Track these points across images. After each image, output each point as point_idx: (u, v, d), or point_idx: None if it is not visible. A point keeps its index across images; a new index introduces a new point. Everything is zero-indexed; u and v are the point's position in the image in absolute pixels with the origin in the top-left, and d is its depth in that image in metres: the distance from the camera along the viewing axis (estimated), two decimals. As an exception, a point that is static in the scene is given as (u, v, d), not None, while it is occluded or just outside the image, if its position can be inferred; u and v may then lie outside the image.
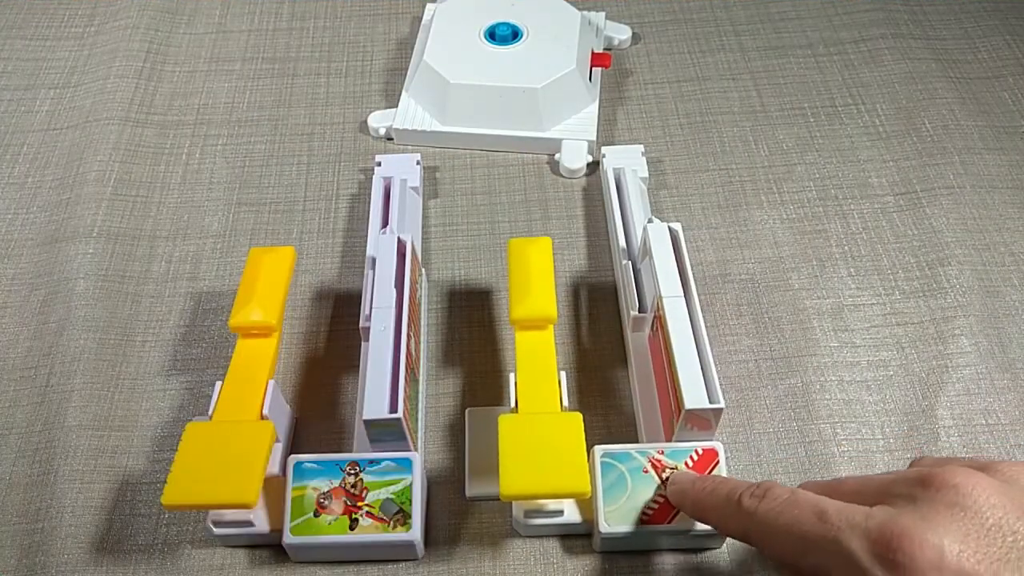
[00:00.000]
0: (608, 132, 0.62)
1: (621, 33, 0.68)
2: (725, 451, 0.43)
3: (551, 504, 0.42)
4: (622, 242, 0.52)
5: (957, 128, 0.62)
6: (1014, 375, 0.49)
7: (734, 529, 0.36)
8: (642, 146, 0.59)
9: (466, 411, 0.48)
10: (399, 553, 0.42)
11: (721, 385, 0.41)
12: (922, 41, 0.68)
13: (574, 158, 0.59)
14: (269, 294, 0.46)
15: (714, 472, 0.42)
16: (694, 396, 0.41)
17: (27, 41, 0.70)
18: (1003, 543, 0.27)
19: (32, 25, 0.71)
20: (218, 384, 0.43)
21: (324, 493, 0.41)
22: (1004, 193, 0.58)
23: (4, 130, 0.63)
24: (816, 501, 0.32)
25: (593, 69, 0.63)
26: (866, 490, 0.32)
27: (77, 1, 0.73)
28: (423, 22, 0.68)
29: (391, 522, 0.40)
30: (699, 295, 0.45)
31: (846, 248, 0.55)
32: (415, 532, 0.40)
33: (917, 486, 0.30)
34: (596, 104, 0.62)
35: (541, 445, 0.39)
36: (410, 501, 0.41)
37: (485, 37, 0.62)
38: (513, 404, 0.42)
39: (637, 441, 0.47)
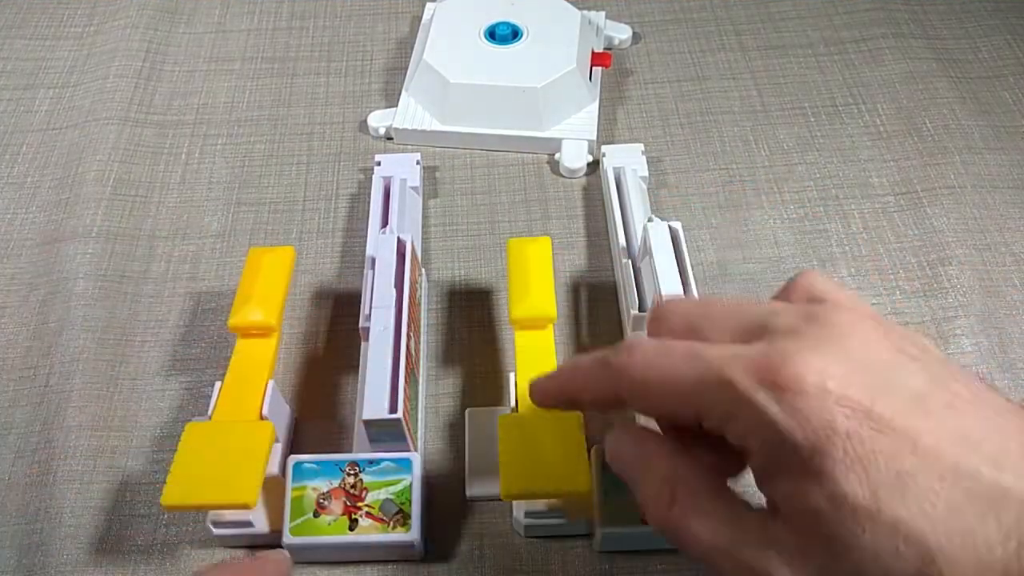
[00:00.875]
0: (608, 132, 0.62)
1: (621, 33, 0.68)
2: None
3: (551, 504, 0.42)
4: (622, 241, 0.52)
5: (958, 128, 0.61)
6: (1014, 375, 0.49)
7: (605, 395, 0.33)
8: (642, 145, 0.59)
9: (466, 411, 0.48)
10: (399, 553, 0.42)
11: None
12: (923, 41, 0.68)
13: (574, 158, 0.59)
14: (268, 294, 0.46)
15: None
16: None
17: (27, 41, 0.70)
18: (884, 376, 0.27)
19: (32, 25, 0.71)
20: (217, 384, 0.43)
21: (324, 493, 0.41)
22: (1005, 193, 0.58)
23: (4, 130, 0.63)
24: (689, 344, 0.30)
25: (593, 69, 0.63)
26: (742, 320, 0.30)
27: (77, 1, 0.73)
28: (423, 22, 0.68)
29: (391, 522, 0.40)
30: (699, 295, 0.45)
31: (846, 248, 0.55)
32: (415, 532, 0.40)
33: (802, 321, 0.29)
34: (596, 104, 0.62)
35: (541, 445, 0.39)
36: (410, 501, 0.41)
37: (485, 37, 0.62)
38: (513, 404, 0.42)
39: (637, 441, 0.47)
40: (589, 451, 0.42)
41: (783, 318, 0.29)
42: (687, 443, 0.32)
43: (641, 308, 0.48)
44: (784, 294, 0.33)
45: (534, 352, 0.44)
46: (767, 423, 0.26)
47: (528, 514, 0.42)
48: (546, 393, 0.36)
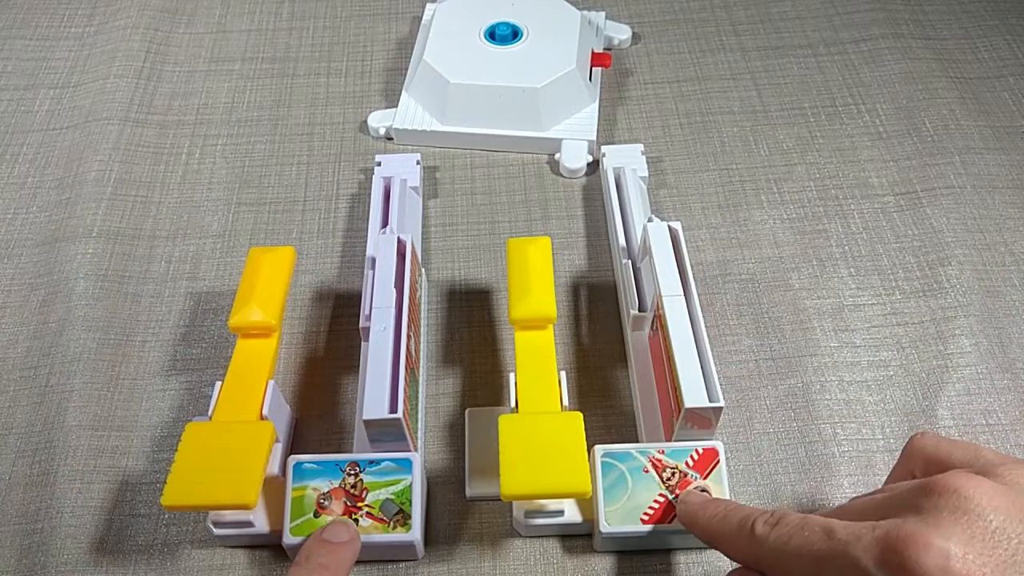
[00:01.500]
0: (608, 132, 0.62)
1: (621, 33, 0.68)
2: (725, 451, 0.42)
3: (551, 504, 0.42)
4: (622, 241, 0.52)
5: (957, 128, 0.62)
6: (1014, 375, 0.49)
7: (744, 556, 0.35)
8: (642, 145, 0.59)
9: (466, 411, 0.48)
10: (399, 553, 0.42)
11: (721, 385, 0.41)
12: (922, 41, 0.68)
13: (574, 158, 0.59)
14: (269, 294, 0.46)
15: (714, 471, 0.42)
16: (694, 394, 0.41)
17: (27, 41, 0.70)
18: (1008, 546, 0.27)
19: (32, 25, 0.71)
20: (218, 384, 0.43)
21: (324, 494, 0.41)
22: (1004, 193, 0.58)
23: (4, 130, 0.63)
24: (825, 522, 0.32)
25: (593, 69, 0.63)
26: (870, 507, 0.32)
27: (77, 1, 0.73)
28: (423, 22, 0.68)
29: (391, 522, 0.40)
30: (699, 295, 0.45)
31: (846, 248, 0.55)
32: (415, 532, 0.40)
33: (919, 496, 0.30)
34: (596, 104, 0.62)
35: (541, 445, 0.39)
36: (410, 501, 0.41)
37: (485, 37, 0.62)
38: (513, 404, 0.42)
39: (637, 440, 0.47)
40: (589, 451, 0.42)
41: (904, 495, 0.31)
42: None
43: (641, 308, 0.49)
44: (903, 463, 0.35)
45: (534, 352, 0.44)
46: None
47: (528, 514, 0.42)
48: (691, 520, 0.39)
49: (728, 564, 0.43)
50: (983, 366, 0.50)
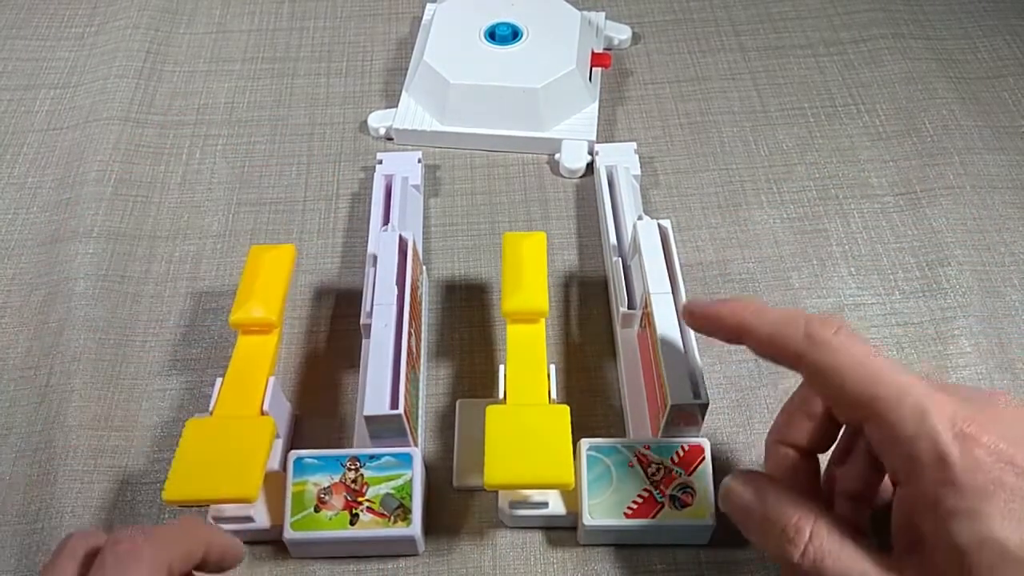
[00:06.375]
0: (608, 132, 0.62)
1: (621, 33, 0.68)
2: (727, 450, 0.42)
3: (536, 495, 0.42)
4: (613, 239, 0.52)
5: (957, 128, 0.62)
6: (1014, 375, 0.49)
7: (789, 356, 0.33)
8: (635, 143, 0.59)
9: (457, 402, 0.48)
10: (399, 548, 0.42)
11: (721, 385, 0.41)
12: (922, 41, 0.68)
13: (574, 158, 0.59)
14: (269, 291, 0.46)
15: (699, 468, 0.42)
16: (679, 391, 0.41)
17: (27, 41, 0.70)
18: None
19: (32, 25, 0.71)
20: (219, 380, 0.43)
21: (324, 488, 0.41)
22: (1004, 193, 0.58)
23: (4, 130, 0.63)
24: (896, 361, 0.32)
25: (593, 69, 0.63)
26: None
27: (77, 1, 0.73)
28: (423, 22, 0.68)
29: (391, 517, 0.40)
30: (699, 295, 0.45)
31: (846, 248, 0.55)
32: (415, 527, 0.40)
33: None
34: (596, 104, 0.62)
35: (527, 436, 0.40)
36: (410, 496, 0.41)
37: (485, 37, 0.62)
38: (502, 395, 0.42)
39: (625, 436, 0.47)
40: (576, 444, 0.42)
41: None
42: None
43: (630, 306, 0.49)
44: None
45: (525, 345, 0.44)
46: (941, 457, 0.29)
47: (513, 504, 0.42)
48: (715, 313, 0.37)
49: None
50: (983, 366, 0.50)
